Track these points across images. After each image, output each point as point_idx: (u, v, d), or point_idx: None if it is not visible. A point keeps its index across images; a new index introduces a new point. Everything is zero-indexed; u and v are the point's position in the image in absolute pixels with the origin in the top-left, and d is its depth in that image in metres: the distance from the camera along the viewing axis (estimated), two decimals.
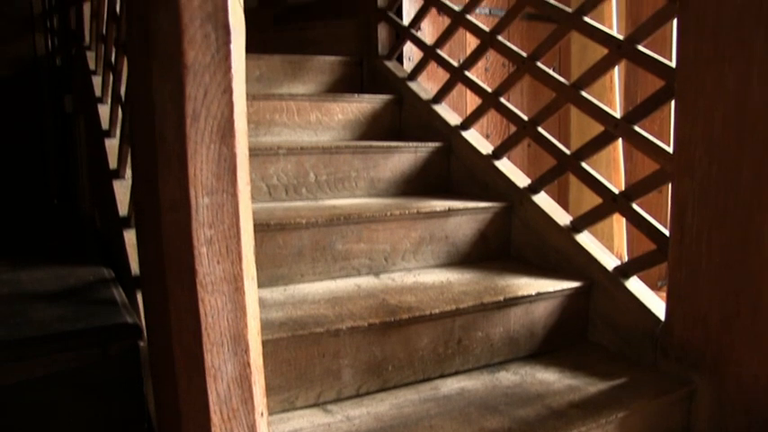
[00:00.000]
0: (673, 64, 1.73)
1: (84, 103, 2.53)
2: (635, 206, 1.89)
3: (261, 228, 1.80)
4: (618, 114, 1.95)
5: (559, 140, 2.20)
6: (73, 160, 3.10)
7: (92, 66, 2.42)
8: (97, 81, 2.31)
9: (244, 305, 0.81)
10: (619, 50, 1.91)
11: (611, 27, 2.90)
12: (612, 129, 1.93)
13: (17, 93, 3.86)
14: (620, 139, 1.97)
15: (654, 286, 2.31)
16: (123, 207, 1.85)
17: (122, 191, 1.91)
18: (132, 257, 1.68)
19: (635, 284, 1.89)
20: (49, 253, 2.04)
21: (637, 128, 1.87)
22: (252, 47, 0.91)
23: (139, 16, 0.76)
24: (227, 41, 0.73)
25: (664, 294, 1.79)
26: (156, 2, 0.72)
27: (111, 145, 2.06)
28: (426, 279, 1.97)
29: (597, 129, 1.99)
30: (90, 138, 2.50)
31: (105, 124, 2.13)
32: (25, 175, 3.77)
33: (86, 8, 2.54)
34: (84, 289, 1.61)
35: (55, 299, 1.52)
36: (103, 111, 2.19)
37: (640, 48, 1.87)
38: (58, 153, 3.71)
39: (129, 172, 1.92)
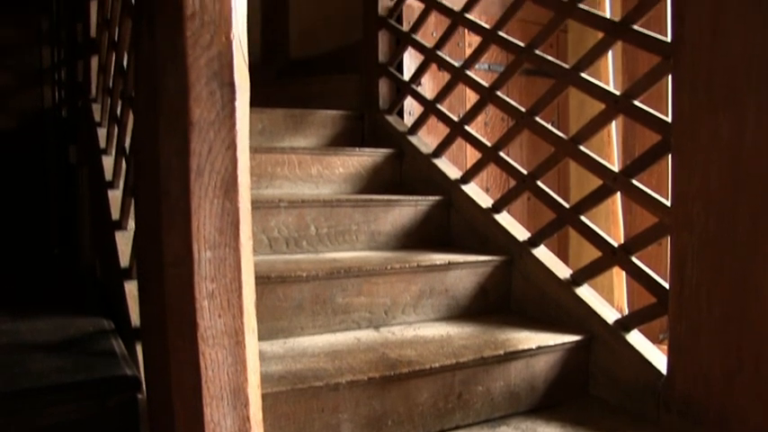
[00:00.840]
0: (668, 118, 1.76)
1: (89, 154, 2.56)
2: (634, 259, 1.89)
3: (261, 280, 1.80)
4: (616, 168, 1.97)
5: (559, 193, 2.22)
6: (75, 210, 3.12)
7: (97, 118, 2.45)
8: (102, 133, 2.34)
9: (244, 359, 0.81)
10: (616, 105, 1.94)
11: (607, 82, 2.95)
12: (611, 182, 1.95)
13: (23, 143, 3.91)
14: (618, 193, 1.98)
15: (655, 339, 2.30)
16: (125, 258, 1.86)
17: (124, 242, 1.92)
18: (132, 309, 1.68)
19: (636, 338, 1.89)
20: (49, 303, 2.04)
21: (635, 181, 1.89)
22: (255, 100, 0.93)
23: (147, 73, 0.78)
24: (232, 99, 0.75)
25: (665, 347, 1.79)
26: (163, 59, 0.75)
27: (114, 196, 2.07)
28: (426, 333, 1.96)
29: (596, 182, 2.00)
30: (93, 188, 2.52)
31: (109, 175, 2.16)
32: (27, 224, 3.78)
33: (94, 62, 2.59)
34: (83, 340, 1.61)
35: (54, 350, 1.52)
36: (107, 162, 2.22)
37: (636, 103, 1.90)
38: (60, 203, 3.74)
39: (131, 223, 1.93)
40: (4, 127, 3.90)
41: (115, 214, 2.01)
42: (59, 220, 3.75)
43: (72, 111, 3.28)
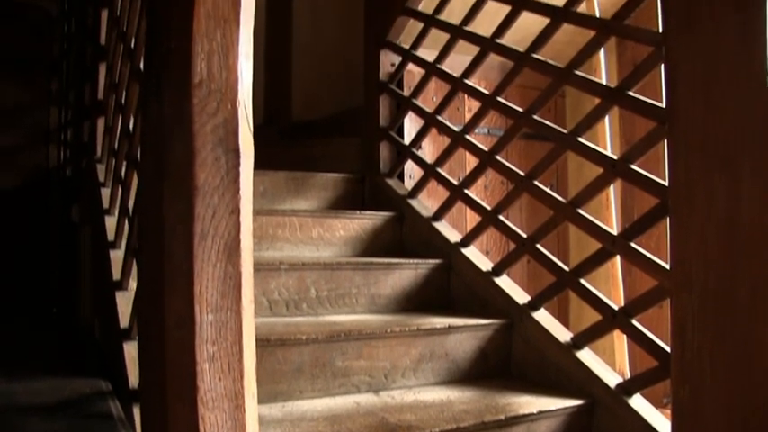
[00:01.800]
0: (665, 182, 1.78)
1: (92, 213, 2.57)
2: (635, 322, 1.89)
3: (261, 343, 1.79)
4: (615, 231, 1.99)
5: (558, 255, 2.23)
6: (76, 269, 3.12)
7: (101, 178, 2.48)
8: (105, 193, 2.36)
9: (244, 423, 0.80)
10: (613, 170, 1.97)
11: (605, 146, 2.99)
12: (610, 246, 1.96)
13: (27, 201, 3.94)
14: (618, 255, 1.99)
15: (659, 403, 2.27)
16: (124, 319, 1.85)
17: (124, 302, 1.92)
18: (131, 370, 1.67)
19: (638, 402, 1.87)
20: (47, 363, 2.02)
21: (634, 244, 1.90)
22: (257, 162, 0.95)
23: (154, 137, 0.80)
24: (237, 164, 0.77)
25: (669, 412, 1.76)
26: (170, 125, 0.77)
27: (116, 256, 2.08)
28: (426, 397, 1.94)
29: (595, 245, 2.02)
30: (95, 248, 2.53)
31: (111, 236, 2.17)
32: (26, 282, 3.78)
33: (100, 123, 2.63)
34: (80, 402, 1.59)
35: (50, 412, 1.50)
36: (110, 222, 2.23)
37: (634, 167, 1.92)
38: (61, 262, 3.74)
39: (132, 284, 1.93)
40: (9, 185, 3.94)
41: (116, 274, 2.01)
42: (59, 279, 3.75)
43: (76, 170, 3.32)
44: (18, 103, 4.06)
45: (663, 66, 1.78)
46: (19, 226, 3.86)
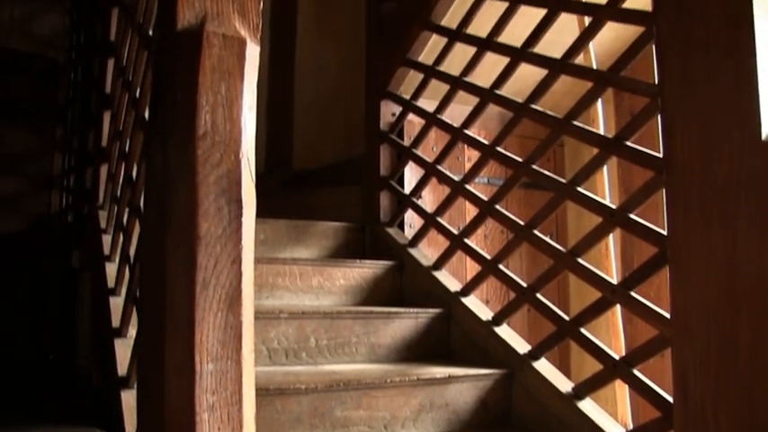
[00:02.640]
0: (664, 231, 1.79)
1: (92, 259, 2.58)
2: (636, 372, 1.88)
3: (260, 392, 1.77)
4: (615, 280, 1.99)
5: (559, 304, 2.22)
6: (74, 316, 3.11)
7: (103, 224, 2.49)
8: (107, 239, 2.37)
9: None
10: (612, 219, 1.98)
11: (603, 195, 3.01)
12: (610, 295, 1.96)
13: (27, 246, 3.95)
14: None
15: None
16: (122, 366, 1.84)
17: (123, 350, 1.91)
18: (128, 419, 1.65)
19: None
20: (42, 412, 2.00)
21: (634, 293, 1.90)
22: (259, 211, 0.96)
23: (157, 187, 0.81)
24: (239, 215, 0.78)
25: None
26: (174, 175, 0.78)
27: (116, 303, 2.08)
28: None
29: (596, 293, 2.02)
30: (94, 294, 2.52)
31: (111, 282, 2.17)
32: (23, 328, 3.76)
33: (103, 170, 2.65)
34: None
35: None
36: (110, 269, 2.23)
37: (632, 216, 1.94)
38: (59, 308, 3.73)
39: (131, 331, 1.93)
40: (10, 229, 3.96)
41: (115, 321, 2.01)
42: (57, 325, 3.73)
43: (78, 216, 3.34)
44: (23, 149, 4.12)
45: (659, 116, 1.81)
46: (18, 271, 3.86)
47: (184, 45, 0.82)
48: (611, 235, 2.37)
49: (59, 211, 4.09)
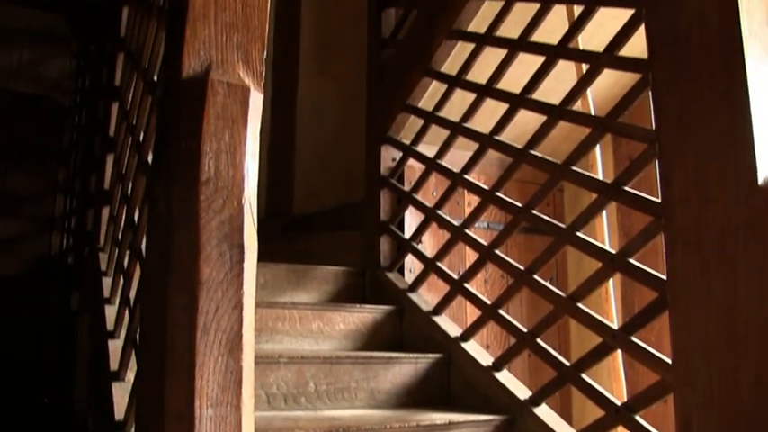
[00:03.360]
0: (664, 276, 1.79)
1: (91, 302, 2.57)
2: (638, 418, 1.86)
3: None
4: (615, 325, 1.98)
5: (559, 349, 2.21)
6: (71, 359, 3.09)
7: (103, 267, 2.49)
8: (107, 282, 2.37)
9: None
10: (612, 263, 1.98)
11: (603, 240, 3.01)
12: (610, 340, 1.96)
13: (26, 287, 3.95)
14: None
15: None
16: (120, 411, 1.82)
17: (120, 394, 1.89)
18: None
19: None
20: None
21: (634, 338, 1.90)
22: (259, 255, 0.97)
23: (160, 231, 0.82)
24: (241, 260, 0.79)
25: None
26: (177, 220, 0.79)
27: (115, 346, 2.06)
28: None
29: (597, 338, 2.01)
30: (93, 337, 2.51)
31: (110, 325, 2.16)
32: (19, 370, 3.73)
33: (105, 212, 2.66)
34: None
35: None
36: (110, 312, 2.23)
37: (632, 261, 1.94)
38: (57, 350, 3.71)
39: (129, 375, 1.91)
40: (10, 271, 3.96)
41: (114, 365, 1.99)
42: (54, 368, 3.70)
43: (78, 258, 3.34)
44: (26, 190, 4.14)
45: (657, 161, 1.83)
46: (16, 312, 3.85)
47: (189, 92, 0.84)
48: (610, 279, 2.37)
49: (60, 253, 4.10)
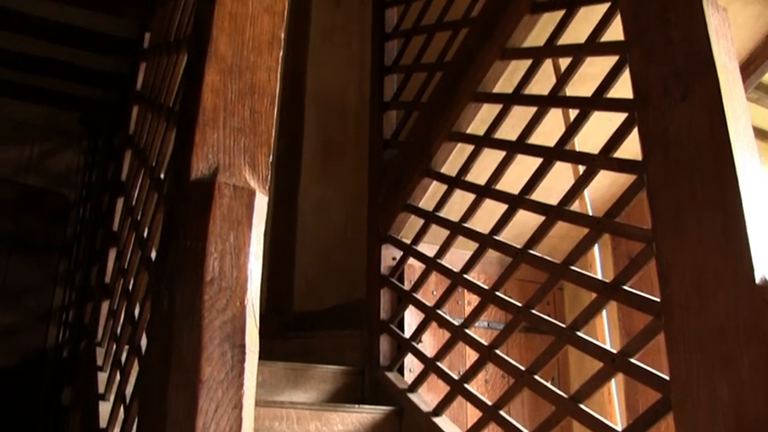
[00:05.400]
0: (667, 376, 1.77)
1: (85, 397, 2.53)
2: None
3: None
4: (619, 427, 1.95)
5: None
6: None
7: (99, 361, 2.47)
8: (102, 377, 2.35)
9: None
10: (613, 363, 1.97)
11: (604, 339, 2.99)
12: None
13: (16, 381, 3.89)
14: None
15: None
16: None
17: None
18: None
19: None
20: None
21: None
22: (258, 352, 0.97)
23: (162, 329, 0.83)
24: (242, 360, 0.79)
25: None
26: (180, 319, 0.80)
27: None
28: None
29: None
30: None
31: (104, 422, 2.12)
32: None
33: (104, 306, 2.66)
34: None
35: None
36: (104, 408, 2.19)
37: (633, 360, 1.93)
38: None
39: None
40: (1, 363, 3.91)
41: None
42: None
43: (73, 352, 3.31)
44: (26, 282, 4.15)
45: (655, 260, 1.84)
46: (3, 406, 3.77)
47: (197, 194, 0.87)
48: (612, 380, 2.34)
49: (55, 346, 4.06)
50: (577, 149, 2.43)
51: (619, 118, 2.09)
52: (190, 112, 1.01)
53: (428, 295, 3.10)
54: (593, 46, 2.26)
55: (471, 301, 3.24)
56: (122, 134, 3.14)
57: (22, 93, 4.33)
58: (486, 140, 2.65)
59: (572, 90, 2.47)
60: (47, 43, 3.83)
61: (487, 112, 2.71)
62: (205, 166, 0.89)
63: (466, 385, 2.52)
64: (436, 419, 2.57)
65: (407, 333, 2.96)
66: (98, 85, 4.23)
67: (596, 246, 2.50)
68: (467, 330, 2.57)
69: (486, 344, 2.46)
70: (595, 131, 2.38)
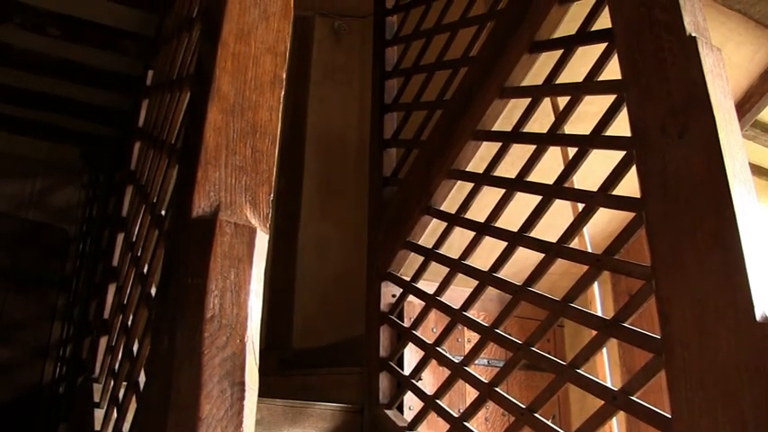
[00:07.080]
0: (669, 414, 1.76)
1: None
2: None
3: None
4: None
5: None
6: None
7: (96, 398, 2.45)
8: (99, 414, 2.32)
9: None
10: (614, 401, 1.95)
11: (604, 376, 2.97)
12: None
13: (13, 416, 3.85)
14: None
15: None
16: None
17: None
18: None
19: None
20: None
21: None
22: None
23: (162, 366, 0.83)
24: (242, 398, 0.79)
25: None
26: (180, 356, 0.80)
27: None
28: None
29: None
30: None
31: None
32: None
33: (102, 342, 2.64)
34: None
35: None
36: None
37: (635, 398, 1.91)
38: None
39: None
40: None
41: None
42: None
43: (70, 388, 3.28)
44: (23, 316, 4.13)
45: (655, 298, 1.84)
46: None
47: (198, 231, 0.88)
48: (614, 420, 2.33)
49: (51, 382, 4.03)
50: (577, 186, 2.44)
51: (618, 155, 2.10)
52: (192, 149, 1.03)
53: (428, 332, 3.08)
54: (591, 85, 2.29)
55: (471, 338, 3.23)
56: (124, 170, 3.16)
57: (24, 128, 4.37)
58: (485, 178, 2.66)
59: (571, 128, 2.48)
60: (50, 79, 3.88)
61: (487, 149, 2.73)
62: (207, 203, 0.90)
63: (466, 423, 2.49)
64: None
65: (407, 370, 2.94)
66: (100, 121, 4.27)
67: (596, 283, 2.50)
68: (466, 368, 2.55)
69: (486, 381, 2.44)
70: (597, 167, 2.39)
